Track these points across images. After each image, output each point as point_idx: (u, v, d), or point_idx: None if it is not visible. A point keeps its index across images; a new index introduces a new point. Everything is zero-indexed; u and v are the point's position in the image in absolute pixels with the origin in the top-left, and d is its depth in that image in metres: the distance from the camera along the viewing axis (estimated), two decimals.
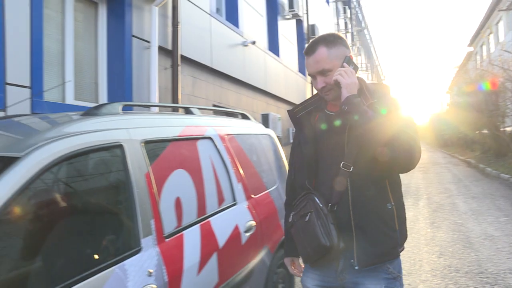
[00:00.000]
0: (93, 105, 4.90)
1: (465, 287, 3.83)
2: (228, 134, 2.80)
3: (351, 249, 1.63)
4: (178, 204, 2.12)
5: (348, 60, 1.69)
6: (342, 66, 1.68)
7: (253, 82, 8.71)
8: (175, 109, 5.24)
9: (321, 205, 1.65)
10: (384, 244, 1.64)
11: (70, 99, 4.66)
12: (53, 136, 1.62)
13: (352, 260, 1.64)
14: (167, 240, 1.93)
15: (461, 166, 18.28)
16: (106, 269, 1.59)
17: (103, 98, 5.12)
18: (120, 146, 1.87)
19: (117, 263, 1.64)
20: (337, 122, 1.71)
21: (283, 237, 3.11)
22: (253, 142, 3.15)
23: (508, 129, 15.64)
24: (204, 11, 6.87)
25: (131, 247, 1.75)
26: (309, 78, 13.39)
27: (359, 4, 26.05)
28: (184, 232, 2.06)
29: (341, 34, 1.83)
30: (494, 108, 14.06)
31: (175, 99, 5.74)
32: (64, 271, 1.54)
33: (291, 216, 1.77)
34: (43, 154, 1.52)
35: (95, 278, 1.54)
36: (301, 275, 1.90)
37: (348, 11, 21.08)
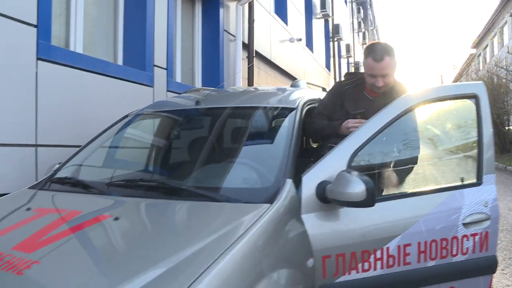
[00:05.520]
0: (190, 86, 5.91)
1: (503, 239, 4.92)
2: None
3: None
4: None
5: None
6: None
7: (296, 75, 9.71)
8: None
9: None
10: None
11: (179, 80, 5.65)
12: (299, 96, 2.57)
13: None
14: None
15: None
16: (448, 191, 2.13)
17: (198, 81, 6.10)
18: None
19: (457, 189, 2.15)
20: (376, 104, 2.33)
21: None
22: None
23: (511, 127, 16.78)
24: (267, 10, 7.86)
25: (473, 180, 2.20)
26: (331, 73, 14.39)
27: (371, 6, 27.15)
28: None
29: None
30: (502, 106, 15.17)
31: (251, 85, 6.73)
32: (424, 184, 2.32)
33: None
34: (305, 106, 2.45)
35: (438, 194, 2.11)
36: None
37: (362, 11, 22.13)
